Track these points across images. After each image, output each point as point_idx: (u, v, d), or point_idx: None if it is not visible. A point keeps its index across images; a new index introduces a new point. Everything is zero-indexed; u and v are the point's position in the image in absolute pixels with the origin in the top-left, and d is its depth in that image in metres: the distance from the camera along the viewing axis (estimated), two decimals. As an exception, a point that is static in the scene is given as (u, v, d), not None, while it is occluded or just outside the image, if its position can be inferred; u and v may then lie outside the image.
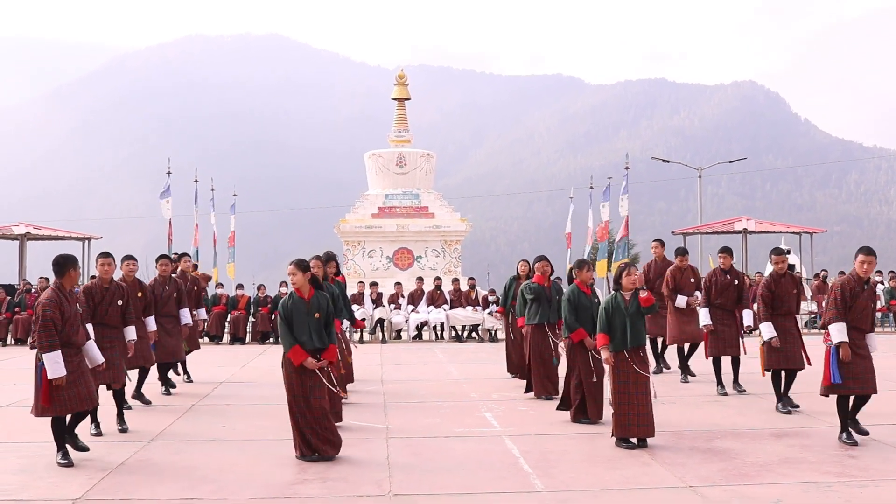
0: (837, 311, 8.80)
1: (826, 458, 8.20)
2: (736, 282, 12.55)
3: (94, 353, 8.62)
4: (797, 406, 10.79)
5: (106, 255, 10.04)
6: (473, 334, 23.78)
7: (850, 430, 8.93)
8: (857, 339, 8.87)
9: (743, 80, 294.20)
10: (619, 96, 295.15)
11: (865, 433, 9.00)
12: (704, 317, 12.47)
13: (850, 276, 8.97)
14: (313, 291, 8.49)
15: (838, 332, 8.75)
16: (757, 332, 11.24)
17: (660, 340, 14.72)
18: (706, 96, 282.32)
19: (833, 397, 8.96)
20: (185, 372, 14.32)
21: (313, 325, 8.37)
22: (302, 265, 8.55)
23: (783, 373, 10.88)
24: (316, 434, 8.27)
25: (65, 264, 8.36)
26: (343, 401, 11.14)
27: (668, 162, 46.04)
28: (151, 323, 11.68)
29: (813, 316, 26.01)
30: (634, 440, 8.77)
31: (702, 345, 13.29)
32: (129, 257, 11.40)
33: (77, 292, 8.92)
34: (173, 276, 13.22)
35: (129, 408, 10.91)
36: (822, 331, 9.30)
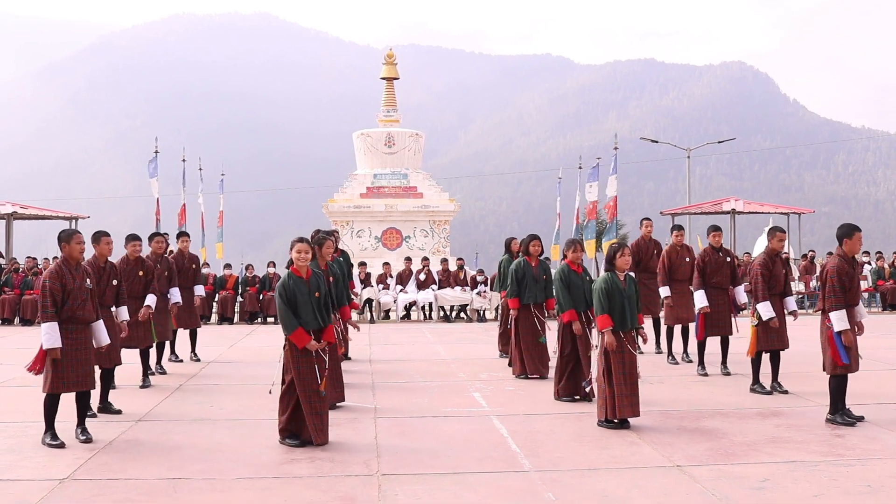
0: (836, 297, 8.69)
1: (813, 438, 8.23)
2: (728, 259, 12.52)
3: (100, 334, 8.56)
4: (785, 390, 10.76)
5: (106, 234, 9.99)
6: (462, 314, 23.78)
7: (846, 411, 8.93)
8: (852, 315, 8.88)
9: (732, 60, 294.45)
10: (608, 76, 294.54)
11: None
12: (701, 299, 12.31)
13: (840, 258, 8.85)
14: (311, 271, 8.32)
15: (840, 319, 8.66)
16: (747, 311, 11.25)
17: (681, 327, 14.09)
18: (695, 77, 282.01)
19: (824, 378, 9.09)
20: (173, 352, 14.29)
21: (315, 304, 8.17)
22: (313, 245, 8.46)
23: (767, 354, 10.89)
24: (320, 418, 8.11)
25: (64, 238, 8.35)
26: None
27: (656, 142, 46.08)
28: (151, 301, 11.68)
29: (800, 296, 26.04)
30: (628, 420, 8.79)
31: (691, 326, 13.40)
32: (133, 237, 11.38)
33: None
34: (166, 255, 13.18)
35: (115, 386, 10.88)
36: (815, 314, 9.24)
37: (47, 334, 8.01)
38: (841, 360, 8.71)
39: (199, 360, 14.34)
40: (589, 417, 9.27)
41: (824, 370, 8.98)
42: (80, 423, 8.34)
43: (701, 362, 12.45)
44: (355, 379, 12.26)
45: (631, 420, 8.79)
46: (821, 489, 6.54)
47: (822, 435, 8.37)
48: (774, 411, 9.57)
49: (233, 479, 6.97)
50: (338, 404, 9.81)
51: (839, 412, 8.88)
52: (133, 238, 11.44)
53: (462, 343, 17.48)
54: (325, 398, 8.19)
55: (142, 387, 11.56)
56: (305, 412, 8.04)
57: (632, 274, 9.13)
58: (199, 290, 14.39)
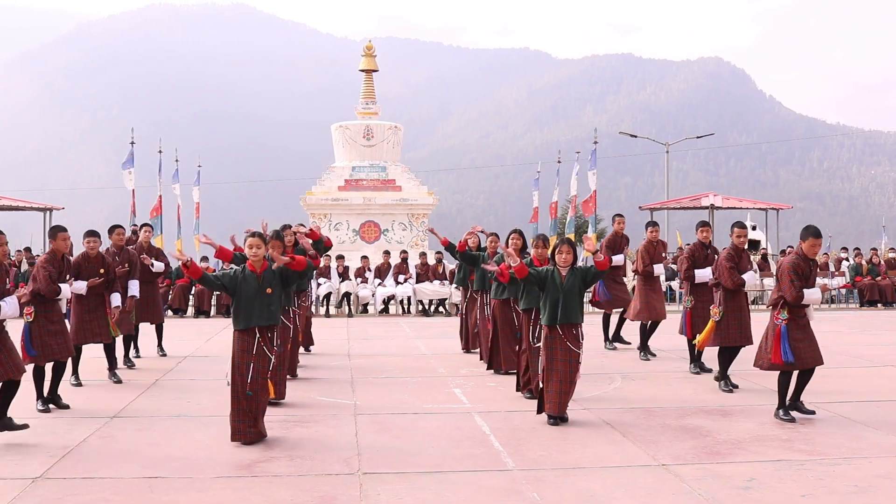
0: (796, 287, 8.73)
1: (797, 436, 8.17)
2: (716, 256, 12.46)
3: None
4: (736, 386, 10.72)
5: (63, 229, 9.81)
6: (441, 308, 23.67)
7: (789, 408, 8.91)
8: (803, 316, 8.89)
9: (709, 56, 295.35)
10: (586, 71, 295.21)
11: (811, 413, 8.91)
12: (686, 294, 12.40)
13: (798, 255, 8.80)
14: (266, 266, 8.18)
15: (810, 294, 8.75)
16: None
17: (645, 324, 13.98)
18: (672, 72, 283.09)
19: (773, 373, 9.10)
20: (135, 348, 13.91)
21: (265, 300, 8.01)
22: (266, 239, 8.29)
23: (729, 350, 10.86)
24: (244, 415, 7.95)
25: None
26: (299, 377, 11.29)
27: (635, 137, 46.06)
28: (116, 298, 11.35)
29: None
30: (560, 417, 8.71)
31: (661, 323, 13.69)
32: (91, 233, 11.06)
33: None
34: (127, 247, 12.79)
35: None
36: (769, 308, 9.12)
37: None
38: (781, 357, 8.70)
39: (164, 354, 14.10)
40: (571, 414, 9.17)
41: (757, 364, 9.01)
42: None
43: (693, 360, 12.44)
44: (334, 374, 12.15)
45: (615, 418, 8.73)
46: (808, 489, 6.46)
47: (807, 433, 8.31)
48: (758, 409, 9.50)
49: (211, 477, 6.83)
50: (279, 401, 9.71)
51: (781, 407, 8.93)
52: (91, 234, 11.06)
53: (441, 338, 17.35)
54: (251, 398, 7.98)
55: (115, 382, 11.36)
56: (231, 406, 7.98)
57: (583, 268, 8.92)
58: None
